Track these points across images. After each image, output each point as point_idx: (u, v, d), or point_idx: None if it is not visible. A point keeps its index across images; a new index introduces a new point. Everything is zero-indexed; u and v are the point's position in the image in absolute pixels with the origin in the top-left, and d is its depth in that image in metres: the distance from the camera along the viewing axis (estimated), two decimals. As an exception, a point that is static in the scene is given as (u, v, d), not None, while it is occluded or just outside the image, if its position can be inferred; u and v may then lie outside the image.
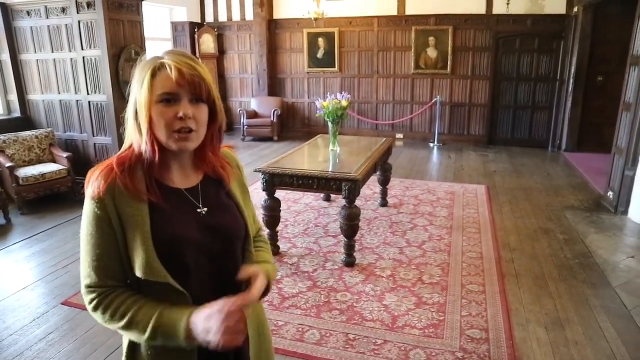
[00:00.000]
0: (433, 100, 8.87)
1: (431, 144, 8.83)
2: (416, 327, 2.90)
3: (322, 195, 5.41)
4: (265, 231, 3.89)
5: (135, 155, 1.09)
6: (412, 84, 9.10)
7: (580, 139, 8.01)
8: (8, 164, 4.98)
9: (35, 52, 5.74)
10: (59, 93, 5.76)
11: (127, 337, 1.12)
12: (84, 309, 2.91)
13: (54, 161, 5.54)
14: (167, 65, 1.03)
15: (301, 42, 9.55)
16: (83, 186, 1.10)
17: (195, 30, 9.62)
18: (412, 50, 8.85)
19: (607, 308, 3.12)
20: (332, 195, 5.30)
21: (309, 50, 9.51)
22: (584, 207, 5.21)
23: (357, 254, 3.90)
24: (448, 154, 8.13)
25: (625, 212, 4.84)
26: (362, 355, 2.63)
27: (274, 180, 3.77)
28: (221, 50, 10.10)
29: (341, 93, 4.54)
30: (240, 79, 10.25)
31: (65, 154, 5.40)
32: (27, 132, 5.51)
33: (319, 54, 9.48)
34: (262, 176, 3.78)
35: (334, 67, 9.45)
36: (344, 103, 4.37)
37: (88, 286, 1.07)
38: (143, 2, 5.60)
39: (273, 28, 9.66)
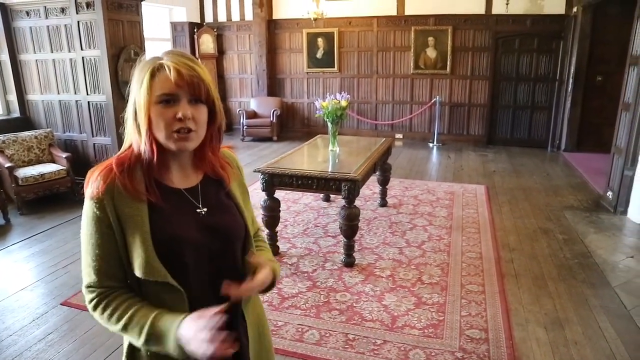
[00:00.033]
0: (432, 101, 8.87)
1: (431, 144, 8.83)
2: (416, 328, 2.90)
3: (321, 195, 5.41)
4: (265, 231, 3.89)
5: (135, 155, 1.10)
6: (412, 84, 9.10)
7: (579, 139, 8.01)
8: (7, 165, 4.98)
9: (35, 53, 5.74)
10: (59, 93, 5.75)
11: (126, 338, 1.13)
12: (84, 309, 2.92)
13: (53, 161, 5.54)
14: (166, 66, 1.03)
15: (300, 42, 9.55)
16: (82, 186, 1.11)
17: (195, 30, 9.62)
18: (412, 50, 8.85)
19: (607, 308, 3.12)
20: (332, 196, 5.30)
21: (309, 50, 9.52)
22: (583, 207, 5.21)
23: (357, 254, 3.90)
24: (447, 154, 8.14)
25: (625, 212, 4.84)
26: (361, 356, 2.63)
27: (274, 181, 3.77)
28: (221, 51, 10.09)
29: (341, 93, 4.55)
30: (240, 79, 10.25)
31: (64, 155, 5.39)
32: (27, 133, 5.51)
33: (319, 54, 9.49)
34: (262, 176, 3.78)
35: (334, 67, 9.45)
36: (344, 103, 4.37)
37: (88, 286, 1.09)
38: (142, 3, 5.59)
39: (272, 28, 9.66)
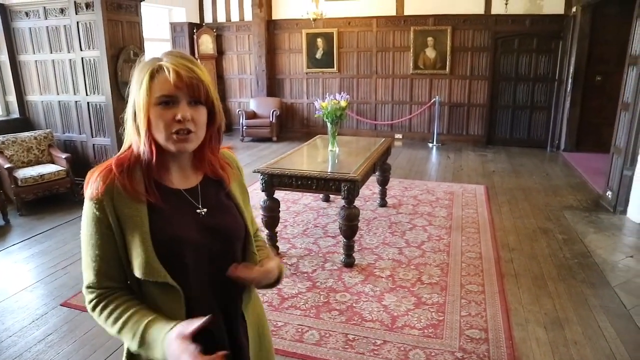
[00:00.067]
0: (432, 101, 8.87)
1: (430, 144, 8.83)
2: (415, 328, 2.90)
3: (321, 195, 5.41)
4: (265, 232, 3.89)
5: (135, 156, 1.10)
6: (411, 85, 9.11)
7: (579, 139, 8.01)
8: (7, 165, 4.98)
9: (34, 53, 5.74)
10: (58, 94, 5.75)
11: None
12: (84, 310, 2.92)
13: (53, 162, 5.54)
14: (165, 68, 1.03)
15: (300, 42, 9.55)
16: (82, 187, 1.11)
17: (194, 31, 9.61)
18: (411, 50, 8.85)
19: (606, 308, 3.12)
20: (332, 196, 5.30)
21: (308, 50, 9.52)
22: (582, 207, 5.21)
23: (357, 255, 3.90)
24: (447, 154, 8.14)
25: (624, 211, 4.85)
26: (361, 356, 2.63)
27: (273, 181, 3.77)
28: (220, 51, 10.09)
29: (340, 93, 4.55)
30: (239, 79, 10.25)
31: (64, 155, 5.39)
32: (26, 133, 5.51)
33: (318, 55, 9.49)
34: (261, 177, 3.78)
35: (333, 67, 9.45)
36: (343, 103, 4.37)
37: (88, 286, 1.09)
38: (142, 3, 5.60)
39: (272, 29, 9.66)
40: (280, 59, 9.84)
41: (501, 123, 8.80)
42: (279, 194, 3.98)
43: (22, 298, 3.35)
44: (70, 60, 5.51)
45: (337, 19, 9.08)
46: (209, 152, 1.18)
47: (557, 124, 8.30)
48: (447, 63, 8.71)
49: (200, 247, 1.11)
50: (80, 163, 5.53)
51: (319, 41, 9.39)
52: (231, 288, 1.19)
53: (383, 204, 5.25)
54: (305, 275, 3.63)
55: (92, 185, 1.06)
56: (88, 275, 1.08)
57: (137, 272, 1.05)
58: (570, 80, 7.77)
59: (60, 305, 3.23)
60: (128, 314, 1.05)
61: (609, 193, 5.16)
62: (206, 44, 9.78)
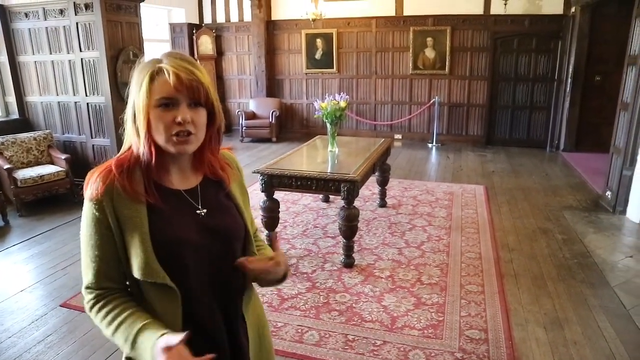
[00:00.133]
0: (431, 101, 8.88)
1: (430, 145, 8.83)
2: (415, 328, 2.90)
3: (320, 196, 5.41)
4: (264, 232, 3.89)
5: (135, 157, 1.10)
6: (411, 85, 9.11)
7: (578, 139, 8.01)
8: (6, 166, 4.98)
9: (34, 54, 5.74)
10: (58, 95, 5.75)
11: None
12: (83, 311, 2.91)
13: (52, 163, 5.54)
14: (165, 70, 1.03)
15: (299, 43, 9.56)
16: (82, 188, 1.11)
17: (194, 31, 9.61)
18: (410, 51, 8.86)
19: (606, 308, 3.12)
20: (331, 196, 5.30)
21: (307, 51, 9.52)
22: (582, 207, 5.22)
23: (356, 255, 3.90)
24: (446, 154, 8.14)
25: (624, 211, 4.85)
26: (361, 356, 2.63)
27: (273, 182, 3.77)
28: (219, 52, 10.09)
29: (339, 94, 4.55)
30: (239, 80, 10.25)
31: (63, 156, 5.39)
32: (26, 134, 5.51)
33: (317, 55, 9.49)
34: (261, 177, 3.78)
35: (333, 68, 9.45)
36: (343, 104, 4.37)
37: (87, 287, 1.10)
38: (141, 4, 5.60)
39: (271, 29, 9.66)
40: (280, 60, 9.84)
41: (501, 123, 8.81)
42: (278, 195, 3.99)
43: (21, 299, 3.35)
44: (69, 61, 5.51)
45: (336, 19, 9.08)
46: (209, 153, 1.18)
47: (556, 124, 8.30)
48: (447, 63, 8.71)
49: (200, 248, 1.11)
50: (79, 164, 5.53)
51: (319, 42, 9.39)
52: (231, 288, 1.19)
53: (383, 204, 5.25)
54: (305, 275, 3.63)
55: (91, 186, 1.06)
56: (87, 275, 1.09)
57: (136, 273, 1.05)
58: (569, 80, 7.77)
59: (60, 306, 3.23)
60: (122, 316, 1.05)
61: (608, 193, 5.16)
62: (205, 44, 9.78)
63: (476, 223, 4.72)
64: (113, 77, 5.22)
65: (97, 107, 5.46)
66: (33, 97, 5.94)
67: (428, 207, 5.24)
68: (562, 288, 3.40)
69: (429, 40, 8.72)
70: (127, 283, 1.12)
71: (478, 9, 8.38)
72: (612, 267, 3.73)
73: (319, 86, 9.68)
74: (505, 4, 7.85)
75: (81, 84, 5.46)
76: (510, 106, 8.67)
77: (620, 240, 4.32)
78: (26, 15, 5.60)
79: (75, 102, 5.63)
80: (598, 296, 3.28)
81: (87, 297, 1.09)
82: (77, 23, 5.24)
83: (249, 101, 9.90)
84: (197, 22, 9.92)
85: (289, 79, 9.88)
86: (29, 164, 5.42)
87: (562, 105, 8.06)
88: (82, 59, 5.36)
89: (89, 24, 5.17)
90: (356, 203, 3.73)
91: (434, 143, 8.81)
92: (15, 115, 6.02)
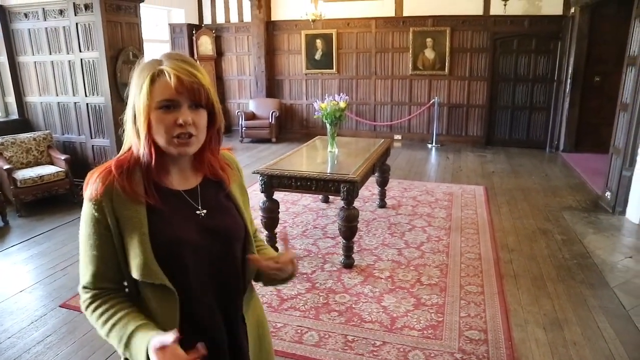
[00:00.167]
0: (431, 102, 8.88)
1: (429, 145, 8.83)
2: (415, 329, 2.90)
3: (320, 196, 5.41)
4: (264, 233, 3.89)
5: (135, 158, 1.10)
6: (410, 85, 9.11)
7: (578, 139, 8.02)
8: (6, 167, 4.97)
9: (33, 55, 5.74)
10: (57, 95, 5.75)
11: None
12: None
13: (52, 163, 5.54)
14: (166, 72, 1.03)
15: (299, 43, 9.56)
16: (81, 188, 1.11)
17: (194, 32, 9.61)
18: (410, 51, 8.86)
19: (606, 308, 3.12)
20: (331, 197, 5.30)
21: (307, 51, 9.52)
22: (582, 207, 5.22)
23: (356, 256, 3.90)
24: (446, 155, 8.14)
25: (623, 212, 4.85)
26: (361, 357, 2.63)
27: (273, 182, 3.77)
28: (219, 52, 10.09)
29: (339, 94, 4.55)
30: (239, 80, 10.25)
31: (63, 156, 5.39)
32: (25, 135, 5.51)
33: (317, 56, 9.49)
34: (261, 178, 3.78)
35: (332, 68, 9.45)
36: (342, 104, 4.37)
37: (84, 286, 1.10)
38: (141, 4, 5.60)
39: (271, 30, 9.66)
40: (280, 60, 9.84)
41: (500, 124, 8.81)
42: (278, 195, 3.98)
43: (21, 299, 3.34)
44: (69, 61, 5.51)
45: (336, 20, 9.08)
46: (209, 154, 1.18)
47: (556, 124, 8.31)
48: (446, 64, 8.72)
49: (200, 248, 1.11)
50: (79, 164, 5.53)
51: (318, 42, 9.39)
52: (231, 289, 1.19)
53: (382, 205, 5.25)
54: (305, 276, 3.63)
55: (91, 187, 1.06)
56: (84, 275, 1.09)
57: (135, 274, 1.05)
58: (569, 81, 7.78)
59: (59, 306, 3.23)
60: (117, 317, 1.06)
61: (608, 193, 5.16)
62: (205, 45, 9.78)
63: (476, 224, 4.72)
64: (113, 78, 5.22)
65: (97, 108, 5.46)
66: (33, 98, 5.94)
67: (428, 207, 5.24)
68: (561, 289, 3.40)
69: (429, 40, 8.73)
70: (125, 284, 1.12)
71: (477, 10, 8.39)
72: (611, 268, 3.73)
73: (319, 87, 9.68)
74: (505, 5, 7.85)
75: (81, 85, 5.46)
76: (509, 107, 8.67)
77: (619, 240, 4.32)
78: (26, 15, 5.60)
79: (75, 103, 5.63)
80: (598, 297, 3.28)
81: (84, 297, 1.10)
82: (76, 23, 5.24)
83: (249, 102, 9.90)
84: (196, 22, 9.93)
85: (289, 80, 9.88)
86: (29, 165, 5.42)
87: (562, 106, 8.06)
88: (81, 59, 5.36)
89: (89, 24, 5.17)
90: (356, 204, 3.73)
91: (434, 144, 8.81)
92: (14, 115, 6.02)
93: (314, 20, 7.86)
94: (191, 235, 1.11)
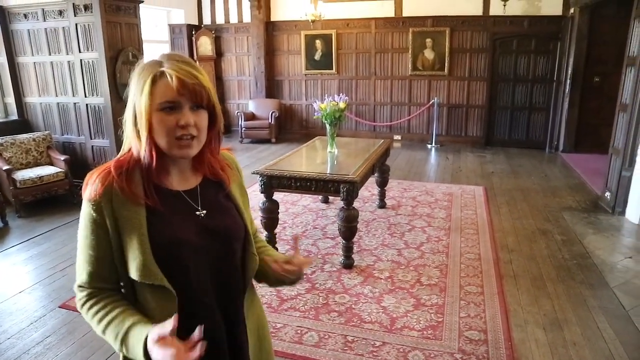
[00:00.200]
0: (430, 102, 8.88)
1: (429, 146, 8.84)
2: (415, 329, 2.90)
3: (320, 197, 5.41)
4: (264, 233, 3.89)
5: (134, 159, 1.10)
6: (410, 86, 9.11)
7: (577, 139, 8.02)
8: (5, 167, 4.97)
9: (33, 55, 5.74)
10: (57, 96, 5.75)
11: None
12: (82, 312, 2.91)
13: (51, 164, 5.53)
14: (167, 74, 1.03)
15: (299, 44, 9.56)
16: (81, 189, 1.11)
17: (193, 32, 9.61)
18: (410, 52, 8.86)
19: (605, 309, 3.12)
20: (331, 197, 5.30)
21: (307, 52, 9.52)
22: (581, 208, 5.22)
23: (356, 256, 3.90)
24: (446, 155, 8.14)
25: (623, 212, 4.85)
26: (360, 357, 2.63)
27: (272, 183, 3.77)
28: (219, 53, 10.09)
29: (339, 95, 4.55)
30: (238, 81, 10.25)
31: (62, 157, 5.39)
32: (25, 135, 5.50)
33: (317, 56, 9.49)
34: (260, 178, 3.77)
35: (332, 69, 9.46)
36: (342, 105, 4.37)
37: (79, 285, 1.10)
38: (140, 5, 5.60)
39: (270, 30, 9.66)
40: (279, 61, 9.84)
41: (500, 124, 8.81)
42: (278, 196, 3.99)
43: (20, 300, 3.34)
44: (68, 62, 5.51)
45: (335, 20, 9.08)
46: (209, 154, 1.18)
47: (555, 124, 8.31)
48: (446, 64, 8.72)
49: (200, 249, 1.11)
50: (79, 165, 5.53)
51: (318, 42, 9.39)
52: (231, 289, 1.19)
53: (382, 205, 5.25)
54: (305, 276, 3.63)
55: (90, 187, 1.06)
56: (81, 274, 1.09)
57: (134, 274, 1.05)
58: (568, 81, 7.78)
59: (59, 307, 3.23)
60: (114, 314, 1.06)
61: (607, 194, 5.16)
62: (205, 45, 9.78)
63: (475, 224, 4.72)
64: (112, 78, 5.22)
65: (96, 108, 5.46)
66: (32, 98, 5.94)
67: (427, 208, 5.24)
68: (561, 289, 3.40)
69: (428, 41, 8.73)
70: (121, 284, 1.12)
71: (477, 10, 8.39)
72: (611, 268, 3.73)
73: (318, 87, 9.68)
74: (505, 5, 7.86)
75: (80, 85, 5.46)
76: (509, 107, 8.67)
77: (619, 241, 4.32)
78: (25, 16, 5.60)
79: (75, 103, 5.63)
80: (597, 297, 3.28)
81: (79, 295, 1.10)
82: (76, 24, 5.24)
83: (249, 102, 9.90)
84: (196, 23, 9.93)
85: (288, 80, 9.88)
86: (28, 165, 5.41)
87: (561, 106, 8.07)
88: (81, 60, 5.36)
89: (88, 25, 5.16)
90: (355, 204, 3.73)
91: (433, 144, 8.81)
92: (14, 116, 6.02)
93: (313, 21, 7.86)
94: (191, 236, 1.11)
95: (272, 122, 9.23)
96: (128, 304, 1.10)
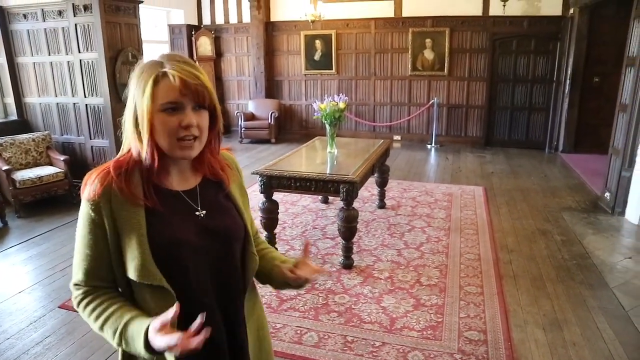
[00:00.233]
0: (430, 102, 8.88)
1: (429, 146, 8.84)
2: (414, 329, 2.90)
3: (320, 197, 5.41)
4: (263, 234, 3.89)
5: (133, 159, 1.09)
6: (410, 86, 9.11)
7: (577, 140, 8.03)
8: (5, 167, 4.97)
9: (32, 55, 5.74)
10: (56, 96, 5.75)
11: None
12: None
13: (51, 164, 5.53)
14: (170, 75, 1.03)
15: (298, 44, 9.56)
16: (80, 189, 1.11)
17: (193, 32, 9.61)
18: (409, 52, 8.86)
19: (605, 309, 3.12)
20: (330, 198, 5.30)
21: (306, 52, 9.52)
22: (581, 208, 5.22)
23: (355, 256, 3.90)
24: (445, 155, 8.15)
25: (623, 213, 4.85)
26: (360, 358, 2.63)
27: (272, 183, 3.77)
28: (218, 53, 10.09)
29: (338, 95, 4.55)
30: (238, 81, 10.25)
31: (62, 157, 5.39)
32: (24, 135, 5.50)
33: (316, 56, 9.49)
34: (260, 179, 3.77)
35: (331, 69, 9.46)
36: (342, 105, 4.37)
37: (75, 283, 1.10)
38: (140, 5, 5.60)
39: (270, 30, 9.66)
40: (279, 61, 9.84)
41: (499, 124, 8.81)
42: (277, 196, 3.99)
43: (19, 300, 3.34)
44: (68, 62, 5.51)
45: (335, 20, 9.08)
46: (209, 154, 1.18)
47: (555, 125, 8.31)
48: (446, 64, 8.72)
49: (200, 249, 1.11)
50: (78, 165, 5.53)
51: (318, 43, 9.39)
52: (231, 289, 1.19)
53: (382, 205, 5.25)
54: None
55: (89, 187, 1.06)
56: (77, 273, 1.09)
57: (132, 275, 1.05)
58: (568, 82, 7.79)
59: (58, 307, 3.23)
60: (111, 310, 1.06)
61: (607, 194, 5.16)
62: (204, 45, 9.78)
63: (475, 224, 4.72)
64: (112, 79, 5.22)
65: (96, 109, 5.46)
66: (32, 99, 5.94)
67: (427, 208, 5.24)
68: (561, 289, 3.40)
69: (428, 41, 8.73)
70: (118, 285, 1.12)
71: (477, 10, 8.40)
72: (611, 269, 3.73)
73: (318, 87, 9.68)
74: (504, 5, 7.87)
75: (80, 85, 5.46)
76: (509, 107, 8.67)
77: (619, 241, 4.32)
78: (25, 16, 5.60)
79: (74, 104, 5.63)
80: (597, 297, 3.28)
81: (75, 293, 1.10)
82: (75, 24, 5.24)
83: (248, 102, 9.90)
84: (196, 23, 9.93)
85: (288, 80, 9.88)
86: (28, 165, 5.41)
87: (561, 107, 8.07)
88: (80, 60, 5.36)
89: (88, 25, 5.16)
90: (355, 204, 3.73)
91: (433, 144, 8.81)
92: (13, 116, 6.02)
93: (313, 21, 7.86)
94: (191, 236, 1.10)
95: (272, 122, 9.23)
96: (125, 300, 1.10)
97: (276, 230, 4.07)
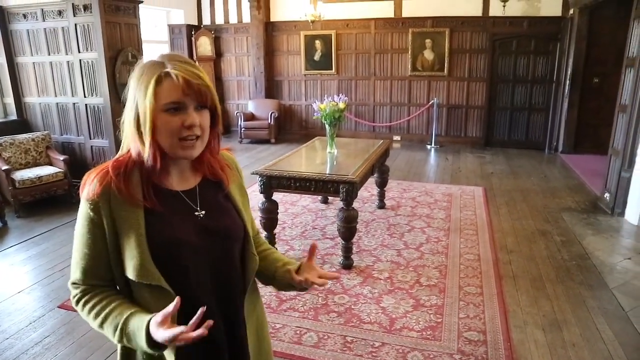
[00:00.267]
0: (430, 102, 8.88)
1: (428, 146, 8.84)
2: (414, 330, 2.90)
3: (319, 197, 5.41)
4: (263, 234, 3.89)
5: (133, 160, 1.09)
6: (409, 86, 9.11)
7: (576, 140, 8.03)
8: (4, 167, 4.97)
9: (32, 55, 5.74)
10: (56, 96, 5.75)
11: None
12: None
13: (50, 164, 5.53)
14: (173, 75, 1.02)
15: (298, 44, 9.56)
16: (79, 189, 1.11)
17: (193, 32, 9.61)
18: (409, 52, 8.86)
19: (605, 310, 3.12)
20: (330, 198, 5.30)
21: (306, 52, 9.52)
22: (581, 208, 5.22)
23: (355, 257, 3.90)
24: (445, 156, 8.15)
25: (622, 213, 4.85)
26: (360, 358, 2.63)
27: (272, 183, 3.77)
28: (218, 53, 10.09)
29: (338, 95, 4.55)
30: (238, 81, 10.25)
31: (62, 157, 5.38)
32: (24, 135, 5.50)
33: (316, 57, 9.49)
34: (260, 179, 3.77)
35: (331, 69, 9.46)
36: (341, 105, 4.37)
37: (73, 282, 1.11)
38: (140, 5, 5.60)
39: (270, 30, 9.66)
40: (279, 61, 9.84)
41: (499, 125, 8.81)
42: (277, 196, 3.99)
43: (19, 300, 3.34)
44: (68, 62, 5.51)
45: (335, 20, 9.08)
46: (209, 154, 1.17)
47: (555, 125, 8.31)
48: (445, 65, 8.72)
49: (199, 249, 1.11)
50: (78, 165, 5.53)
51: (317, 43, 9.39)
52: (231, 290, 1.19)
53: (381, 205, 5.25)
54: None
55: (88, 187, 1.06)
56: (75, 271, 1.10)
57: (131, 274, 1.05)
58: (568, 82, 7.79)
59: (58, 307, 3.23)
60: (111, 306, 1.06)
61: (606, 195, 5.16)
62: (204, 45, 9.78)
63: (475, 225, 4.72)
64: (112, 79, 5.22)
65: (96, 108, 5.46)
66: (31, 98, 5.93)
67: (427, 208, 5.24)
68: (560, 290, 3.40)
69: (428, 41, 8.73)
70: (117, 284, 1.12)
71: (477, 11, 8.40)
72: (610, 269, 3.73)
73: (318, 87, 9.68)
74: (504, 6, 7.87)
75: (80, 85, 5.46)
76: (508, 108, 8.68)
77: (618, 242, 4.32)
78: (24, 16, 5.60)
79: (74, 103, 5.63)
80: (596, 298, 3.28)
81: (74, 292, 1.10)
82: (75, 24, 5.24)
83: (248, 102, 9.90)
84: (195, 23, 9.93)
85: (288, 80, 9.88)
86: (27, 165, 5.41)
87: (561, 107, 8.07)
88: (80, 60, 5.36)
89: (88, 25, 5.16)
90: (355, 204, 3.73)
91: (433, 144, 8.81)
92: (13, 116, 6.02)
93: (313, 21, 7.86)
94: (190, 236, 1.10)
95: (272, 122, 9.22)
96: (124, 298, 1.10)
97: (276, 231, 4.07)
